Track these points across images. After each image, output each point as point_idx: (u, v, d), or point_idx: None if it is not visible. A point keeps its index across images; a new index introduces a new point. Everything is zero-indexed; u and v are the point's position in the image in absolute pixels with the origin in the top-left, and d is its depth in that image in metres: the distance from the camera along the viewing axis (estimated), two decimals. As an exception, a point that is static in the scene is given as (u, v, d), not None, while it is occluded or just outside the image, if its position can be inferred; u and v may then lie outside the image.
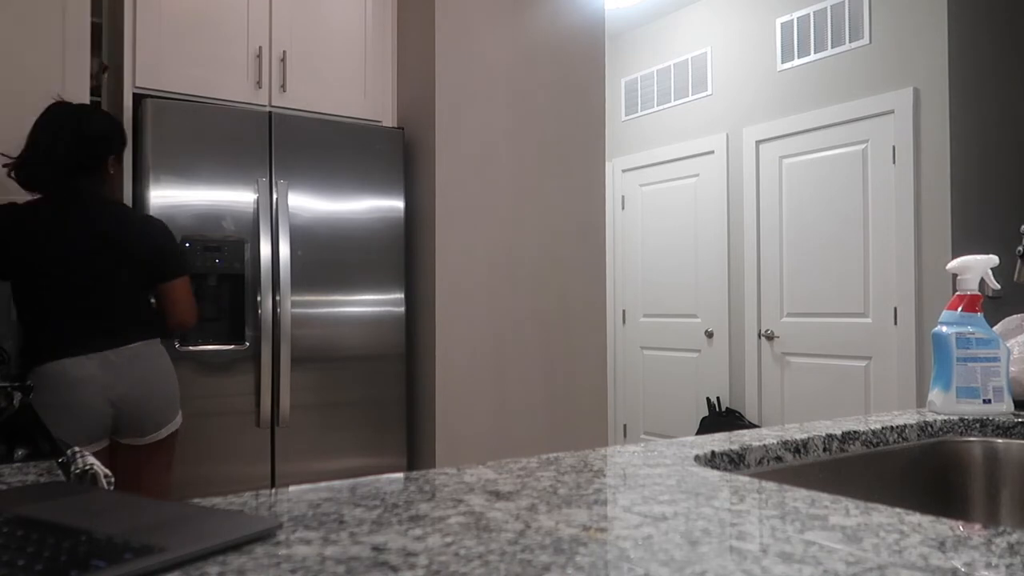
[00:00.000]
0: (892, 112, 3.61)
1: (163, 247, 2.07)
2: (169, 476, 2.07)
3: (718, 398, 4.45)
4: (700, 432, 4.43)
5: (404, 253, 2.81)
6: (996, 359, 1.21)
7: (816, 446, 1.03)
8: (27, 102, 2.31)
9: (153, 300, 2.11)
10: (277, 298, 2.54)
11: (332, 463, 2.64)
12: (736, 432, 1.05)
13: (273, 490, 0.74)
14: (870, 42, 3.71)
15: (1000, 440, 1.14)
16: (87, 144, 1.99)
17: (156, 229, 2.08)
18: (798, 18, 4.06)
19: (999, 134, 3.53)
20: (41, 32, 2.43)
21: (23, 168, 1.96)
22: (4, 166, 1.99)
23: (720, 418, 4.37)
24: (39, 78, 2.41)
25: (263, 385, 2.52)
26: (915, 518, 0.62)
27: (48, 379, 1.88)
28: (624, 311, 5.18)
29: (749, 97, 4.34)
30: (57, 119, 1.99)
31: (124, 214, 2.05)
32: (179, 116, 2.44)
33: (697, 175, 4.66)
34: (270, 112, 2.60)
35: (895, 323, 3.59)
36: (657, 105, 4.94)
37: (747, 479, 0.76)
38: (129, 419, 1.94)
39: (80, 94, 2.42)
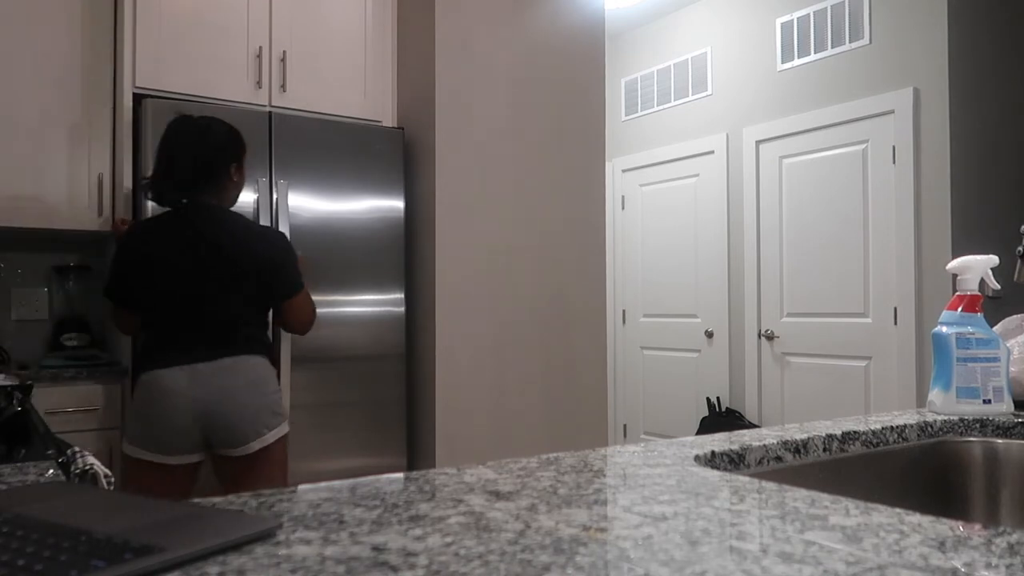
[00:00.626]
0: (892, 112, 3.61)
1: (276, 263, 2.03)
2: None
3: (718, 398, 4.45)
4: (700, 432, 4.43)
5: (404, 253, 2.81)
6: (996, 359, 1.21)
7: (816, 446, 1.03)
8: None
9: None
10: (277, 298, 2.54)
11: (332, 463, 2.64)
12: (736, 432, 1.05)
13: (273, 490, 0.74)
14: (870, 42, 3.71)
15: (1000, 440, 1.14)
16: (206, 155, 2.01)
17: (271, 244, 2.04)
18: (798, 18, 4.06)
19: (999, 134, 3.53)
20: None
21: (152, 186, 2.02)
22: (144, 190, 2.07)
23: (720, 418, 4.36)
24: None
25: (263, 385, 2.52)
26: (915, 518, 0.62)
27: (143, 388, 1.94)
28: (624, 311, 5.17)
29: (749, 97, 4.34)
30: (177, 134, 2.02)
31: (239, 227, 2.02)
32: (179, 116, 2.44)
33: (697, 175, 4.66)
34: (270, 112, 2.60)
35: (895, 323, 3.59)
36: (657, 105, 4.94)
37: (747, 479, 0.76)
38: (215, 431, 1.94)
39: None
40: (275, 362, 2.08)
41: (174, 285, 1.97)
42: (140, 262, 1.99)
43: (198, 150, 2.00)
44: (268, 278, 2.02)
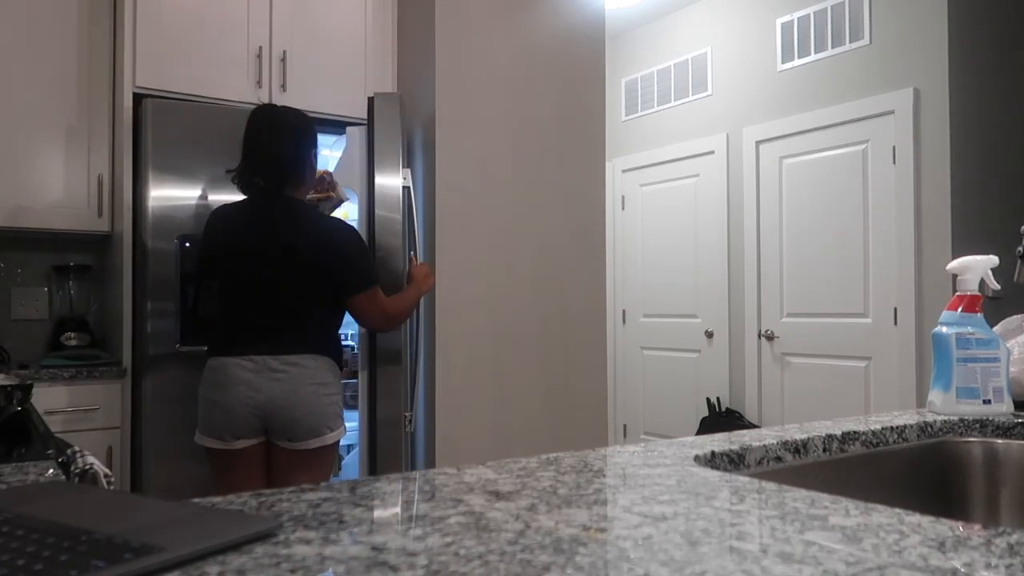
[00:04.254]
0: (892, 112, 3.60)
1: (343, 260, 2.05)
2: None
3: (718, 398, 4.45)
4: (700, 432, 4.43)
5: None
6: (996, 359, 1.21)
7: (816, 446, 1.03)
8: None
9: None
10: (277, 298, 2.54)
11: (332, 463, 2.64)
12: (736, 432, 1.05)
13: (273, 490, 0.74)
14: (870, 42, 3.71)
15: (1000, 440, 1.14)
16: (285, 147, 2.04)
17: (341, 241, 2.05)
18: (798, 18, 4.06)
19: (999, 134, 3.53)
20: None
21: (237, 177, 2.07)
22: (233, 181, 2.10)
23: (720, 418, 4.36)
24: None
25: (263, 385, 2.52)
26: (915, 518, 0.62)
27: (210, 372, 1.99)
28: (624, 311, 5.17)
29: (749, 97, 4.34)
30: (256, 126, 2.06)
31: (312, 222, 2.05)
32: (179, 116, 2.44)
33: (697, 175, 4.66)
34: (270, 112, 2.59)
35: (895, 323, 3.59)
36: (657, 105, 4.94)
37: (747, 479, 0.76)
38: (277, 424, 1.96)
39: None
40: (341, 364, 2.10)
41: (245, 276, 2.01)
42: (216, 247, 2.05)
43: (277, 143, 2.03)
44: (339, 275, 2.04)
